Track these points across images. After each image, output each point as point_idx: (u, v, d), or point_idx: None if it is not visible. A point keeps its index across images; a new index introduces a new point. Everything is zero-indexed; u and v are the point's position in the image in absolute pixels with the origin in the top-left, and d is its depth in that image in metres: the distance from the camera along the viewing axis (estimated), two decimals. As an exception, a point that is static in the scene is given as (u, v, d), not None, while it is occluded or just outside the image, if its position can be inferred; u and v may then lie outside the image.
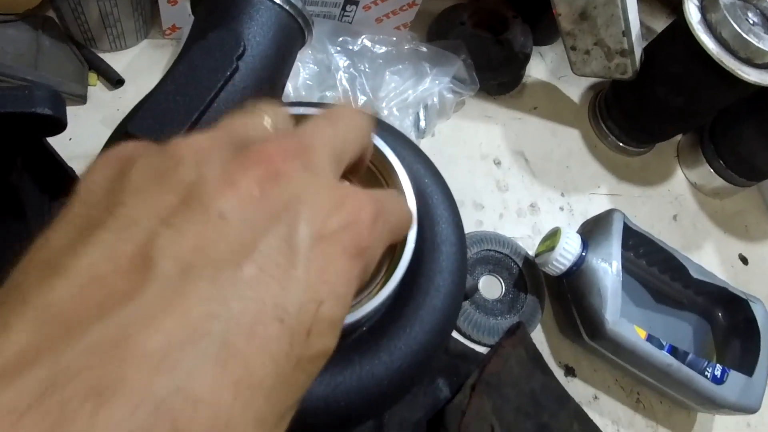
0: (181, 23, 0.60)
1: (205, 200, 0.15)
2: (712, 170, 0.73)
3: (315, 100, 0.55)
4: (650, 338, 0.53)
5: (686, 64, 0.59)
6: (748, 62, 0.56)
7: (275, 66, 0.35)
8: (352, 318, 0.27)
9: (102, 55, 0.59)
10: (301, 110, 0.31)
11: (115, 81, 0.57)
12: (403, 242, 0.29)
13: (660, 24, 0.85)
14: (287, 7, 0.36)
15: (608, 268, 0.54)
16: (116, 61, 0.59)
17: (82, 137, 0.56)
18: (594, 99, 0.75)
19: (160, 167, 0.16)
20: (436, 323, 0.33)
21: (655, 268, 0.63)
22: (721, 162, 0.72)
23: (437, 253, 0.34)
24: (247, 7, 0.34)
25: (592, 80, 0.77)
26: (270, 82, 0.35)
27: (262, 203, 0.15)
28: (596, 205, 0.69)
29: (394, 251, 0.30)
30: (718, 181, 0.73)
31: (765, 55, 0.55)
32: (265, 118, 0.19)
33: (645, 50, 0.66)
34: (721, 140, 0.72)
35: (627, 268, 0.63)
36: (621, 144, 0.73)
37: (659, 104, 0.65)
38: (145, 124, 0.31)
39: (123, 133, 0.32)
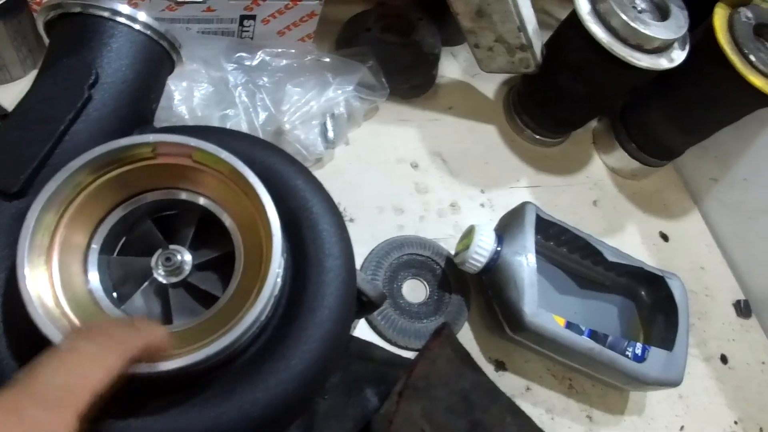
0: (72, 50, 0.58)
1: None
2: (626, 153, 0.75)
3: (215, 119, 0.54)
4: (569, 325, 0.54)
5: (583, 53, 0.61)
6: (639, 48, 0.58)
7: (137, 92, 0.34)
8: (216, 347, 0.27)
9: (-11, 90, 0.57)
10: (168, 137, 0.30)
11: (1, 116, 0.55)
12: (267, 267, 0.28)
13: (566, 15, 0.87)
14: (148, 32, 0.35)
15: (523, 260, 0.55)
16: (3, 94, 0.57)
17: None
18: (508, 94, 0.77)
19: None
20: (324, 340, 0.32)
21: (576, 255, 0.64)
22: (633, 145, 0.74)
23: (320, 267, 0.33)
24: (100, 33, 0.33)
25: (504, 76, 0.79)
26: (132, 110, 0.34)
27: None
28: (517, 198, 0.70)
29: (264, 273, 0.29)
30: (634, 164, 0.75)
31: (654, 40, 0.57)
32: None
33: (548, 42, 0.67)
34: (631, 124, 0.74)
35: (549, 257, 0.64)
36: (537, 136, 0.74)
37: (564, 94, 0.66)
38: (-9, 163, 0.30)
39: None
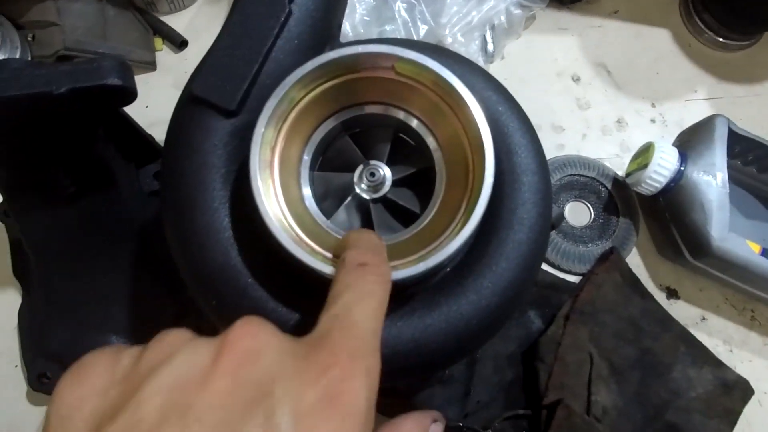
0: (232, -26, 0.59)
1: None
2: (836, 55, 0.63)
3: (374, 36, 0.52)
4: (765, 252, 0.49)
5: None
6: None
7: (329, 3, 0.33)
8: (434, 261, 0.27)
9: (163, 18, 0.60)
10: (360, 49, 0.29)
11: (179, 43, 0.58)
12: (481, 179, 0.27)
13: None
14: (333, -63, 0.33)
15: (711, 180, 0.49)
16: (177, 22, 0.60)
17: (157, 103, 0.57)
18: (686, -10, 0.66)
19: None
20: (523, 258, 0.31)
21: (767, 175, 0.57)
22: None
23: (518, 184, 0.32)
24: (292, -56, 0.32)
25: (682, -31, 0.68)
26: (325, 23, 0.33)
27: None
28: (693, 112, 0.62)
29: (472, 188, 0.29)
30: None
31: None
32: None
33: None
34: None
35: (734, 177, 0.57)
36: (720, 39, 0.64)
37: (767, -16, 0.56)
38: (208, 83, 0.31)
39: (189, 94, 0.32)
